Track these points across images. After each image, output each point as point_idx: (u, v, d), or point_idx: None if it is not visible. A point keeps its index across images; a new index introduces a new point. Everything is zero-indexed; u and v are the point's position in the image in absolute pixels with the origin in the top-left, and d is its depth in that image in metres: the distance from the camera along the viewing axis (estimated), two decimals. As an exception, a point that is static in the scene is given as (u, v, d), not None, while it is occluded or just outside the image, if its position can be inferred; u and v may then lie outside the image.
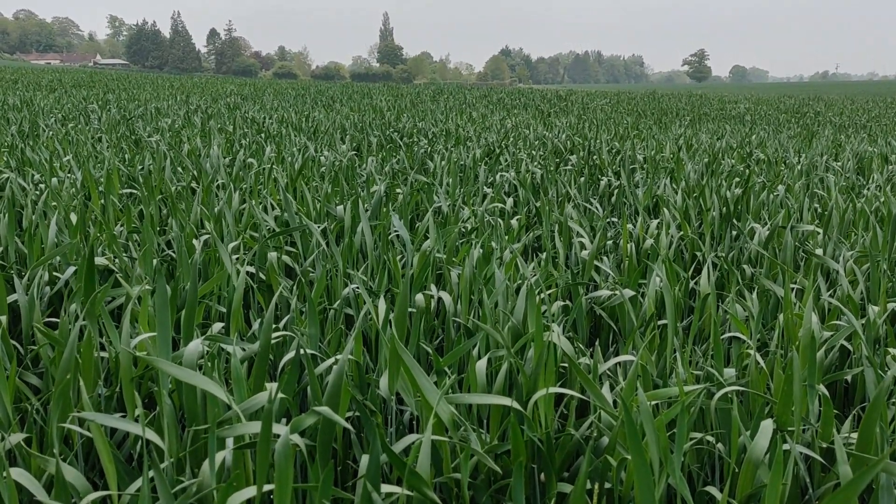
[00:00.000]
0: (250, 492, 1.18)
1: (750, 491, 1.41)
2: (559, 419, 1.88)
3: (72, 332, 1.56)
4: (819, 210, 4.04)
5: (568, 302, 2.55)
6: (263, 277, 2.73)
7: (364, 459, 1.29)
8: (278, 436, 1.19)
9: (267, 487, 1.19)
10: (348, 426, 1.34)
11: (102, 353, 1.92)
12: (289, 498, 1.11)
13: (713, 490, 1.49)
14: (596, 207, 4.03)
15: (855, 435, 1.52)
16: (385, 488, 1.23)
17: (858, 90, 49.38)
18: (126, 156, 5.26)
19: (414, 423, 1.86)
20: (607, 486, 1.48)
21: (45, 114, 9.00)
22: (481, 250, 2.63)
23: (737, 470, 1.50)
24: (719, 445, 1.62)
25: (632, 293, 2.41)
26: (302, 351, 1.70)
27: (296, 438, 1.32)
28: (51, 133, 6.64)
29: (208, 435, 1.32)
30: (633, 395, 1.52)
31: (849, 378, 2.19)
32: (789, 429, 1.50)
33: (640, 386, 1.32)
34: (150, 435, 1.32)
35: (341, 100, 16.80)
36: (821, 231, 3.36)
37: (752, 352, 1.82)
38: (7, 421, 1.54)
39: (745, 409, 1.76)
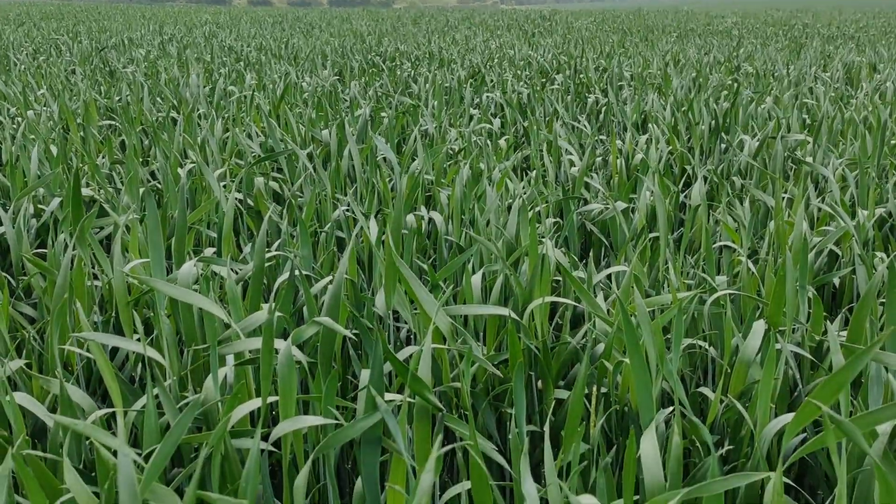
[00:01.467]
0: (255, 403, 1.20)
1: (742, 388, 1.44)
2: (554, 331, 1.90)
3: (63, 259, 1.54)
4: (808, 121, 4.02)
5: (559, 219, 2.55)
6: (251, 204, 2.70)
7: (364, 374, 1.30)
8: (278, 351, 1.19)
9: (271, 399, 1.20)
10: (349, 334, 1.35)
11: (95, 283, 1.91)
12: (293, 407, 1.13)
13: (706, 391, 1.52)
14: (584, 125, 3.98)
15: (844, 333, 1.55)
16: (387, 396, 1.25)
17: (846, 1, 48.52)
18: (102, 87, 5.13)
19: (411, 338, 1.88)
20: (603, 391, 1.51)
21: (15, 47, 8.70)
22: (470, 171, 2.61)
23: (729, 371, 1.53)
24: (711, 349, 1.65)
25: (624, 205, 2.41)
26: (297, 272, 1.70)
27: (296, 353, 1.33)
28: (23, 66, 6.44)
29: (209, 353, 1.33)
30: (629, 301, 1.54)
31: (836, 282, 2.22)
32: (780, 329, 1.53)
33: (637, 290, 1.33)
34: (152, 353, 1.33)
35: (320, 26, 16.33)
36: (811, 140, 3.35)
37: (743, 258, 1.83)
38: (4, 348, 1.54)
39: (736, 313, 1.79)
